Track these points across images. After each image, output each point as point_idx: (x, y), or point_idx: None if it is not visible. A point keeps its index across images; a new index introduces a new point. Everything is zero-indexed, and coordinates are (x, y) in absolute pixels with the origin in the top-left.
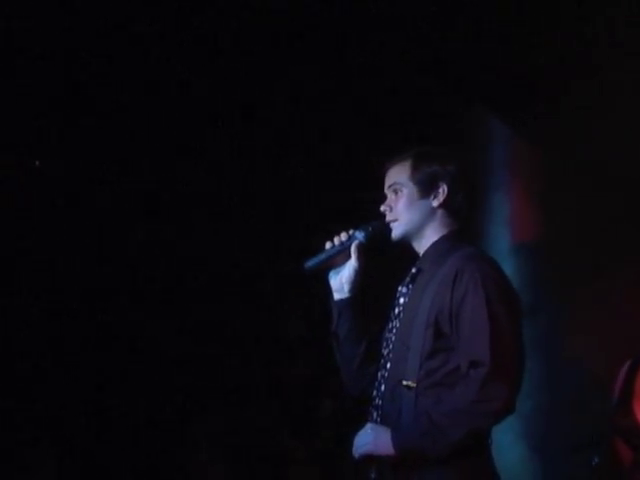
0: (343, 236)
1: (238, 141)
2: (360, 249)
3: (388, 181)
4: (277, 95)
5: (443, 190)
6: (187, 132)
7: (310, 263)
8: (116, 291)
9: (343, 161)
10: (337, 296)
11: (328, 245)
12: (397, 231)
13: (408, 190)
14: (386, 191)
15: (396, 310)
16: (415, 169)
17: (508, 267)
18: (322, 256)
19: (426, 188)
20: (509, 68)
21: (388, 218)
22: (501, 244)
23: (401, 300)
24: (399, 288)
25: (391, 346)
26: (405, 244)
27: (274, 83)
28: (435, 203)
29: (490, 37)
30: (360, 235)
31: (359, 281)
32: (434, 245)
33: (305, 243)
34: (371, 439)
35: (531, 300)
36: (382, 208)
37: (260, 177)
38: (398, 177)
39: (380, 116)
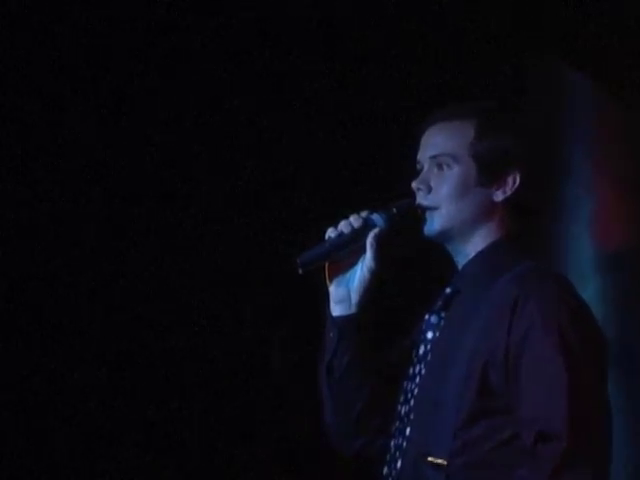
0: (355, 221)
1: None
2: (380, 242)
3: (430, 147)
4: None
5: (514, 179)
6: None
7: (305, 258)
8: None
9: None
10: (338, 311)
11: (332, 233)
12: (435, 225)
13: (462, 169)
14: (423, 160)
15: (421, 349)
16: (479, 138)
17: (590, 289)
18: (323, 248)
19: (490, 171)
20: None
21: (423, 202)
22: (580, 254)
23: (429, 334)
24: (426, 317)
25: (412, 402)
26: (439, 245)
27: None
28: (498, 196)
29: None
30: (380, 220)
31: (373, 290)
32: (482, 255)
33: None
34: None
35: (623, 338)
36: (414, 185)
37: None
38: (449, 145)
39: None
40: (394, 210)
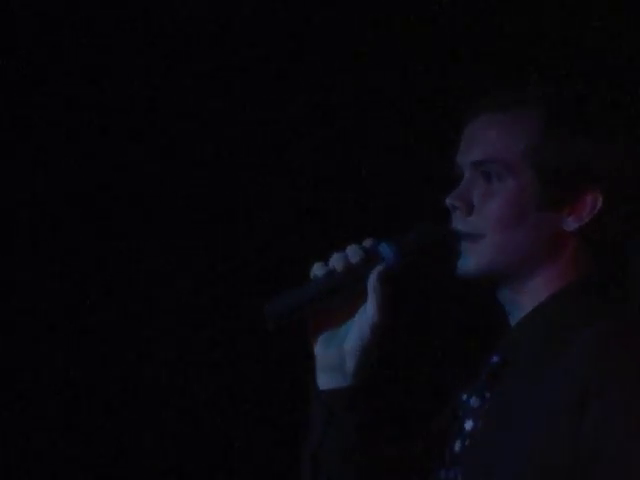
0: (352, 254)
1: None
2: (387, 282)
3: (474, 149)
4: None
5: (594, 201)
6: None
7: (277, 307)
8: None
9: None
10: (327, 382)
11: (318, 270)
12: (476, 260)
13: (519, 182)
14: (463, 165)
15: (456, 445)
16: (546, 139)
17: None
18: (305, 293)
19: (561, 188)
20: None
21: (460, 226)
22: None
23: (467, 425)
24: (463, 397)
25: None
26: (482, 289)
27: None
28: (570, 224)
29: None
30: (389, 252)
31: (377, 353)
32: (544, 309)
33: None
34: None
35: None
36: (449, 201)
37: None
38: (501, 147)
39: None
40: (411, 237)
